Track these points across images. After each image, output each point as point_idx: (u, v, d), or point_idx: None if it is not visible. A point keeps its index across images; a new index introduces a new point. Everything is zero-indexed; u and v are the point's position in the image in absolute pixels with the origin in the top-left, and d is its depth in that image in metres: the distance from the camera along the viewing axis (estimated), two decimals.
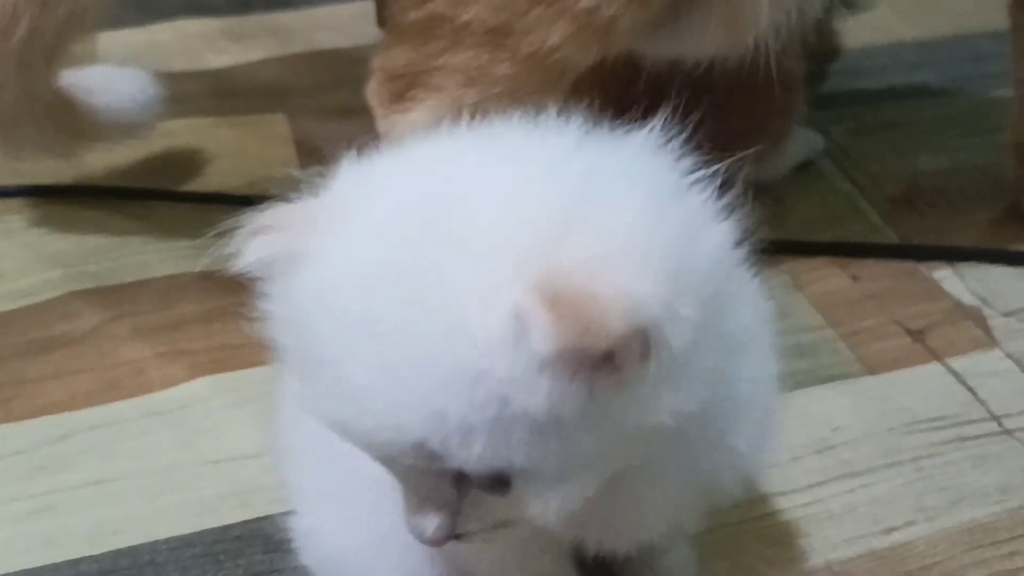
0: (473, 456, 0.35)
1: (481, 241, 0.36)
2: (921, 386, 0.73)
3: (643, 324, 0.34)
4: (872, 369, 0.75)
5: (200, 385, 0.73)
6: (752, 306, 0.46)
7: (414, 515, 0.40)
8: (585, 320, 0.33)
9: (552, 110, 0.43)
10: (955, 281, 0.82)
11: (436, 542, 0.40)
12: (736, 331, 0.43)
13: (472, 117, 0.44)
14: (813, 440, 0.69)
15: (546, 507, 0.39)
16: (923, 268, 0.84)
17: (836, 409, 0.71)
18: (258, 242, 0.40)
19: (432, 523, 0.39)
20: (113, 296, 0.81)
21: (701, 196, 0.41)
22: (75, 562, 0.62)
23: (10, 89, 0.76)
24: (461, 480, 0.38)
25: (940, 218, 0.89)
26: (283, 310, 0.40)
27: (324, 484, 0.51)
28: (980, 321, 0.78)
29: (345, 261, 0.38)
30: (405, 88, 0.70)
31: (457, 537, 0.40)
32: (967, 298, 0.81)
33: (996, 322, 0.78)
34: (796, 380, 0.73)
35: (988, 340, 0.77)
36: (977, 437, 0.69)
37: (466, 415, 0.35)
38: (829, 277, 0.83)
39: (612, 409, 0.36)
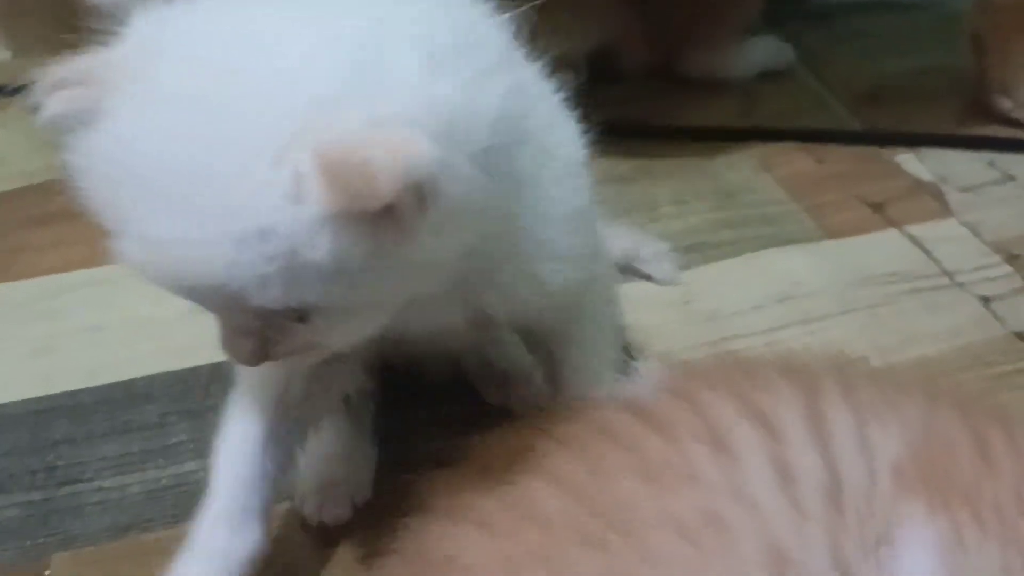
0: (269, 298, 0.39)
1: (268, 104, 0.38)
2: (878, 249, 0.77)
3: (417, 181, 0.37)
4: (833, 234, 0.78)
5: None
6: (553, 148, 0.48)
7: (229, 341, 0.43)
8: (355, 183, 0.36)
9: None
10: (915, 163, 0.86)
11: (250, 363, 0.44)
12: (522, 173, 0.45)
13: None
14: (775, 292, 0.72)
15: (340, 336, 0.44)
16: (885, 152, 0.87)
17: (797, 266, 0.75)
18: (59, 96, 0.40)
19: (245, 347, 0.43)
20: None
21: (490, 48, 0.43)
22: (73, 393, 0.66)
23: None
24: (265, 313, 0.41)
25: (903, 112, 0.92)
26: (86, 165, 0.40)
27: None
28: (938, 196, 0.82)
29: (139, 120, 0.39)
30: None
31: (269, 357, 0.44)
32: (926, 176, 0.84)
33: (953, 197, 0.82)
34: (759, 242, 0.77)
35: (945, 211, 0.80)
36: (930, 289, 0.72)
37: (258, 265, 0.38)
38: (795, 160, 0.87)
39: (396, 253, 0.39)
